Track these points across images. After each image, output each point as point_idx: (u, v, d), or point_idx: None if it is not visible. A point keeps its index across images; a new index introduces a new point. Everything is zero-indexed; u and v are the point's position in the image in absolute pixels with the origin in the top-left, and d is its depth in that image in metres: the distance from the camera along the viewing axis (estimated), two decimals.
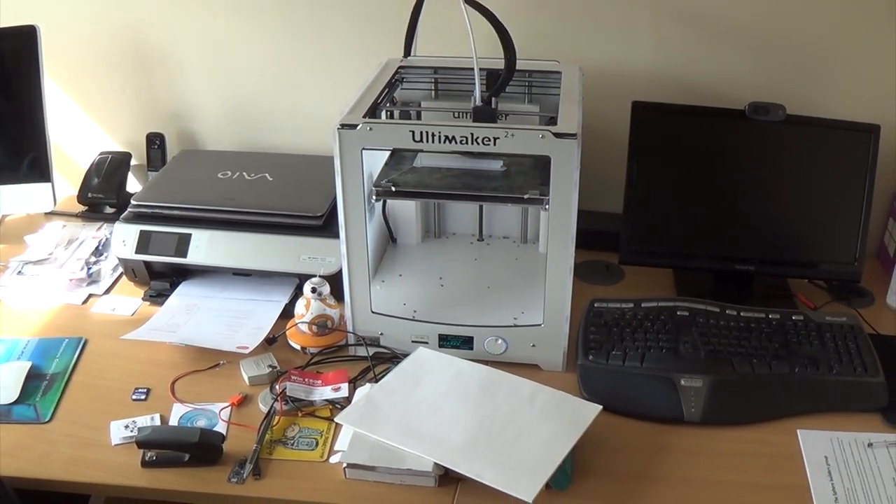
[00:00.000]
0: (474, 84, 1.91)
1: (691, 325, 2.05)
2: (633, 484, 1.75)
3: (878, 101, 2.34)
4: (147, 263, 2.30)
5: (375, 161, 2.05)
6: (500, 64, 1.92)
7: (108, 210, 2.70)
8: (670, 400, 1.91)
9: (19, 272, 2.45)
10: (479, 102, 1.93)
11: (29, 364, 2.07)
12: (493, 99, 1.95)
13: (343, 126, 1.85)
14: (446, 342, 2.05)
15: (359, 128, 1.84)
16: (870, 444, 1.82)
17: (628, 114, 2.22)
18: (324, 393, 1.96)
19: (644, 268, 2.34)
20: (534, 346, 2.01)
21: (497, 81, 1.93)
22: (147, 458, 1.80)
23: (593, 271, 2.40)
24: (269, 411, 1.90)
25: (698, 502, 1.72)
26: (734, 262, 2.26)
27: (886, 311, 2.28)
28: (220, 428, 1.89)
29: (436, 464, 1.71)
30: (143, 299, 2.33)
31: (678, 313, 2.08)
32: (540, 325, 1.99)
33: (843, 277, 2.27)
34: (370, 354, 2.06)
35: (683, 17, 2.36)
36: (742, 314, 2.09)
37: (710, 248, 2.28)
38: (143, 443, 1.80)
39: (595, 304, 2.14)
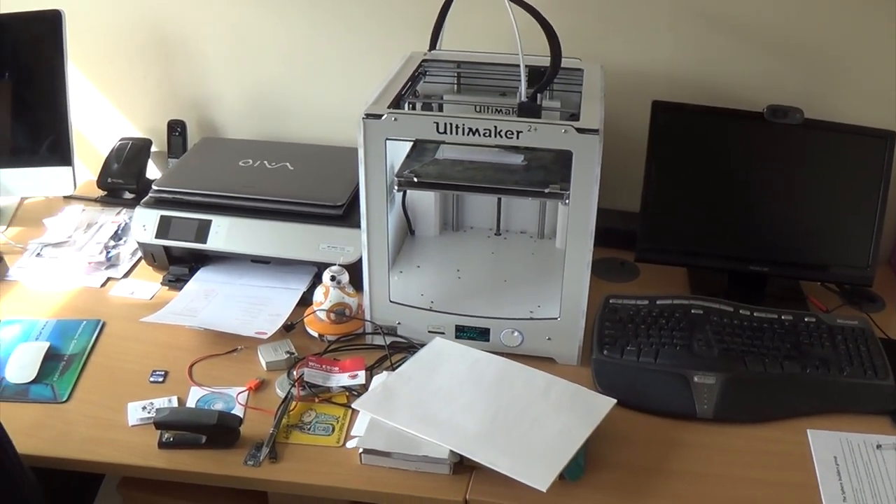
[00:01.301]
0: (506, 76, 1.94)
1: (705, 324, 2.06)
2: (645, 477, 1.76)
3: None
4: (166, 248, 2.31)
5: (397, 153, 2.06)
6: (533, 60, 1.93)
7: (128, 196, 2.71)
8: (683, 396, 1.92)
9: (38, 254, 2.47)
10: (524, 98, 1.95)
11: (47, 345, 2.09)
12: (538, 95, 1.96)
13: (368, 116, 1.86)
14: (463, 333, 2.06)
15: (384, 118, 1.86)
16: (879, 446, 1.83)
17: (648, 113, 2.23)
18: (341, 380, 1.97)
19: (659, 266, 2.35)
20: (549, 339, 2.03)
21: (541, 78, 1.94)
22: (164, 440, 1.82)
23: (609, 268, 2.41)
24: (286, 396, 1.92)
25: (708, 497, 1.73)
26: (748, 263, 2.27)
27: None
28: (238, 411, 1.90)
29: (451, 451, 1.73)
30: (162, 284, 2.34)
31: (692, 311, 2.09)
32: (556, 318, 2.00)
33: (855, 282, 2.28)
34: (387, 343, 2.07)
35: (704, 18, 2.37)
36: (755, 314, 2.10)
37: (724, 249, 2.29)
38: (161, 424, 1.82)
39: (610, 301, 2.16)
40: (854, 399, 1.95)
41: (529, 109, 1.94)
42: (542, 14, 1.89)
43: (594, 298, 2.10)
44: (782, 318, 2.10)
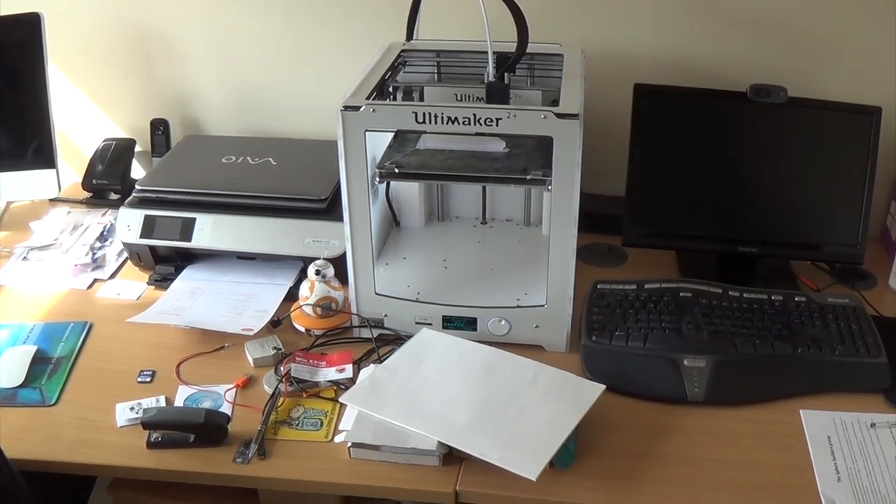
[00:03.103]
0: (486, 63, 1.94)
1: (694, 306, 2.06)
2: (636, 462, 1.76)
3: (880, 84, 2.35)
4: (152, 248, 2.31)
5: (379, 144, 2.05)
6: (508, 47, 1.93)
7: (113, 196, 2.71)
8: (673, 380, 1.92)
9: (24, 258, 2.46)
10: (491, 79, 1.95)
11: (34, 348, 2.09)
12: (505, 75, 1.96)
13: (346, 108, 1.85)
14: (450, 323, 2.05)
15: (362, 109, 1.85)
16: (872, 425, 1.83)
17: (630, 97, 2.23)
18: (328, 374, 1.97)
19: (647, 250, 2.35)
20: (537, 326, 2.02)
21: (507, 60, 1.94)
22: (152, 439, 1.82)
23: (596, 254, 2.41)
24: (273, 392, 1.91)
25: (701, 481, 1.72)
26: (737, 244, 2.26)
27: (889, 293, 2.29)
28: (225, 409, 1.90)
29: (440, 443, 1.72)
30: (148, 283, 2.34)
31: (681, 294, 2.09)
32: (543, 305, 2.00)
33: (845, 259, 2.28)
34: (374, 336, 2.07)
35: (685, 0, 2.37)
36: (745, 295, 2.10)
37: (712, 230, 2.28)
38: (149, 424, 1.81)
39: (598, 286, 2.15)
40: (847, 378, 1.94)
41: (497, 89, 1.95)
42: None
43: (582, 284, 2.10)
44: (772, 298, 2.10)
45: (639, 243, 2.32)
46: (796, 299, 2.10)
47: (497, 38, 1.93)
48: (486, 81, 1.98)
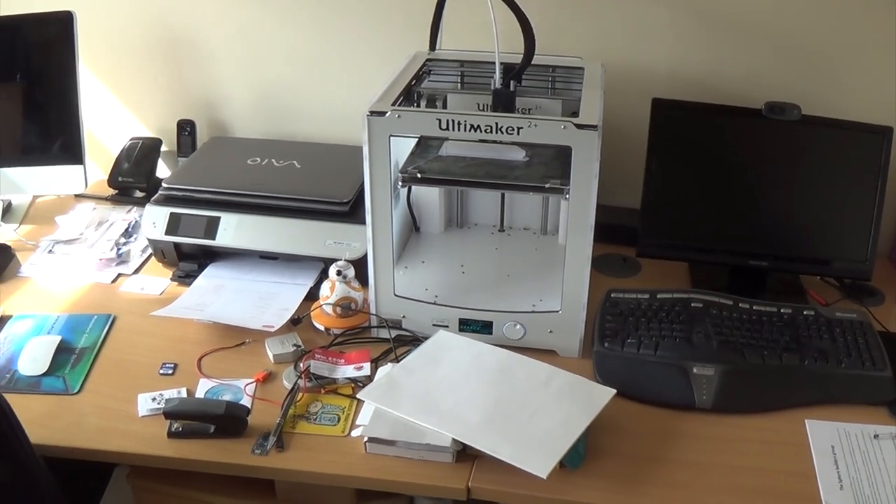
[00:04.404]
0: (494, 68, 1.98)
1: (705, 317, 2.09)
2: (644, 465, 1.79)
3: (892, 104, 2.37)
4: (176, 245, 2.34)
5: (402, 150, 2.09)
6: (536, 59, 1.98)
7: (138, 194, 2.75)
8: (682, 387, 1.95)
9: (49, 251, 2.50)
10: (498, 86, 1.99)
11: (59, 338, 2.12)
12: (511, 83, 2.01)
13: (372, 113, 1.90)
14: (466, 326, 2.09)
15: (387, 115, 1.89)
16: (876, 436, 1.86)
17: (647, 111, 2.26)
18: (346, 371, 2.00)
19: (660, 262, 2.38)
20: (551, 332, 2.05)
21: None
22: (173, 429, 1.85)
23: (611, 264, 2.44)
24: (292, 387, 1.95)
25: (707, 485, 1.75)
26: (748, 258, 2.29)
27: None
28: (245, 402, 1.93)
29: (454, 440, 1.76)
30: (172, 280, 2.37)
31: (692, 305, 2.12)
32: (558, 311, 2.03)
33: (854, 276, 2.30)
34: (392, 336, 2.10)
35: (703, 17, 2.40)
36: (755, 307, 2.13)
37: (725, 244, 2.31)
38: (171, 413, 1.85)
39: (612, 294, 2.18)
40: (852, 390, 1.97)
41: (503, 96, 2.00)
42: (518, 6, 1.92)
43: (596, 293, 2.13)
44: (781, 311, 2.13)
45: (653, 254, 2.35)
46: (805, 313, 2.13)
47: (516, 49, 1.97)
48: (492, 88, 2.02)
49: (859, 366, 2.00)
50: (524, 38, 1.95)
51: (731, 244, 2.31)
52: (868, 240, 2.23)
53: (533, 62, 1.97)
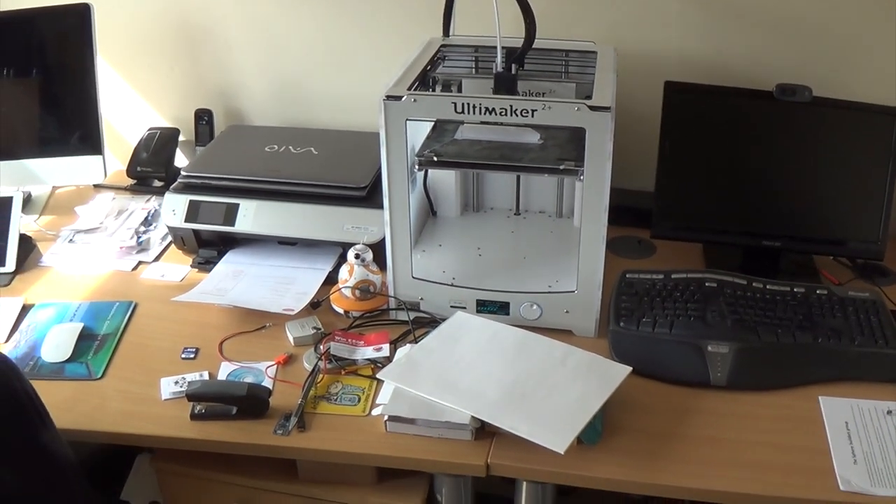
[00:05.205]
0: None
1: (719, 296, 2.11)
2: (660, 441, 1.81)
3: None
4: (196, 232, 2.36)
5: (418, 135, 2.11)
6: (541, 43, 2.02)
7: (157, 184, 2.77)
8: (697, 365, 1.97)
9: (70, 241, 2.53)
10: (500, 69, 2.02)
11: (81, 325, 2.15)
12: (513, 66, 2.03)
13: (389, 97, 1.92)
14: (483, 307, 2.11)
15: (404, 99, 1.91)
16: (889, 412, 1.87)
17: (659, 95, 2.28)
18: (366, 353, 2.03)
19: (675, 243, 2.40)
20: (567, 312, 2.07)
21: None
22: (196, 411, 1.88)
23: (626, 246, 2.45)
24: (313, 369, 1.98)
25: (722, 460, 1.77)
26: (761, 239, 2.31)
27: None
28: (267, 384, 1.96)
29: (472, 417, 1.78)
30: (192, 266, 2.40)
31: (706, 284, 2.14)
32: (574, 291, 2.05)
33: (866, 256, 2.32)
34: (410, 318, 2.13)
35: (713, 0, 2.43)
36: (768, 287, 2.15)
37: (738, 225, 2.33)
38: (193, 395, 1.88)
39: (627, 275, 2.21)
40: (865, 367, 1.99)
41: (504, 79, 2.03)
42: None
43: (611, 275, 2.16)
44: (794, 290, 2.14)
45: (667, 235, 2.37)
46: (818, 292, 2.14)
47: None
48: (494, 72, 2.05)
49: (872, 344, 2.02)
50: (525, 22, 1.97)
51: (744, 225, 2.33)
52: (880, 220, 2.24)
53: (546, 47, 2.00)
